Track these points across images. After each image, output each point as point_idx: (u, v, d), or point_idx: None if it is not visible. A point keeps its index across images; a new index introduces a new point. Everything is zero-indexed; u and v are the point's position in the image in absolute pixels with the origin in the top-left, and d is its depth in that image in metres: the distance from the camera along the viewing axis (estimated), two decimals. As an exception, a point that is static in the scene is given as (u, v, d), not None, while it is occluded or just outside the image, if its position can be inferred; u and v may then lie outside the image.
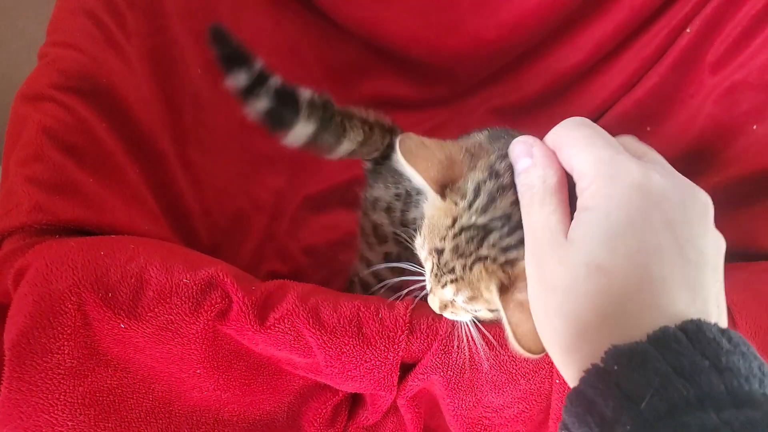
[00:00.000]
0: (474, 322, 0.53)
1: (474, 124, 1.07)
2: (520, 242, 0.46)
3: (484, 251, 0.48)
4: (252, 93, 0.66)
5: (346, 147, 0.72)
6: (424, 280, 0.57)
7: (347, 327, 0.52)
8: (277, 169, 1.01)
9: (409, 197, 0.72)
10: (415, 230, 0.72)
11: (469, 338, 0.53)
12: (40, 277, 0.49)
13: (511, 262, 0.48)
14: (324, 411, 0.61)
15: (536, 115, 1.08)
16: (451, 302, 0.53)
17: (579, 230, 0.39)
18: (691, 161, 0.96)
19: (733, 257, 0.46)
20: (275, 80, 0.67)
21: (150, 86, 0.76)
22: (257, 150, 1.00)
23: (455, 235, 0.49)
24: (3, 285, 0.52)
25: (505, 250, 0.48)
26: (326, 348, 0.51)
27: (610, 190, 0.38)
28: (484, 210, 0.49)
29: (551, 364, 0.53)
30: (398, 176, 0.75)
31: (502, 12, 1.00)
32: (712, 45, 0.96)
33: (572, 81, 1.06)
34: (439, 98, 1.10)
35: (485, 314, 0.52)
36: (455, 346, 0.53)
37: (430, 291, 0.54)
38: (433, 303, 0.54)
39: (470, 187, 0.50)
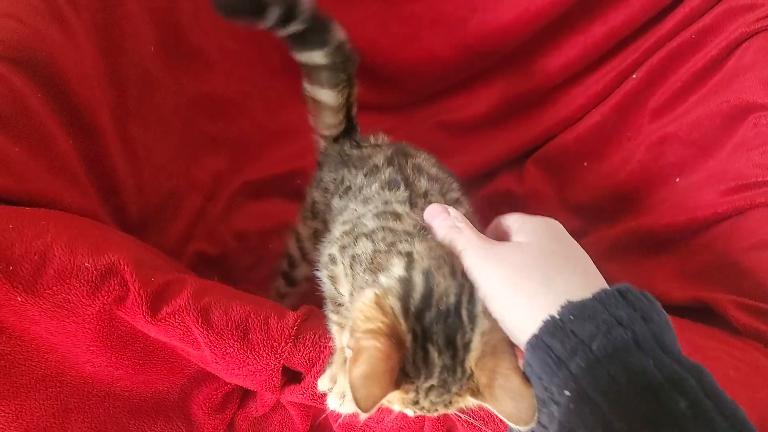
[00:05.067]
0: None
1: (421, 135, 1.10)
2: (461, 359, 0.48)
3: (453, 388, 0.49)
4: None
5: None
6: None
7: (234, 330, 0.54)
8: (220, 151, 1.02)
9: (342, 185, 0.74)
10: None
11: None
12: (-56, 243, 0.51)
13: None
14: (215, 397, 0.64)
15: (481, 134, 1.11)
16: None
17: (529, 236, 0.51)
18: (615, 202, 1.00)
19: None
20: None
21: (96, 60, 0.77)
22: (202, 131, 1.01)
23: (425, 396, 0.49)
24: None
25: (463, 373, 0.48)
26: (212, 347, 0.54)
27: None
28: (428, 389, 0.49)
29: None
30: (338, 164, 0.77)
31: (457, 32, 1.02)
32: (654, 93, 1.00)
33: (519, 107, 1.10)
34: (391, 105, 1.13)
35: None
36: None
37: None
38: None
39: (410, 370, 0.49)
